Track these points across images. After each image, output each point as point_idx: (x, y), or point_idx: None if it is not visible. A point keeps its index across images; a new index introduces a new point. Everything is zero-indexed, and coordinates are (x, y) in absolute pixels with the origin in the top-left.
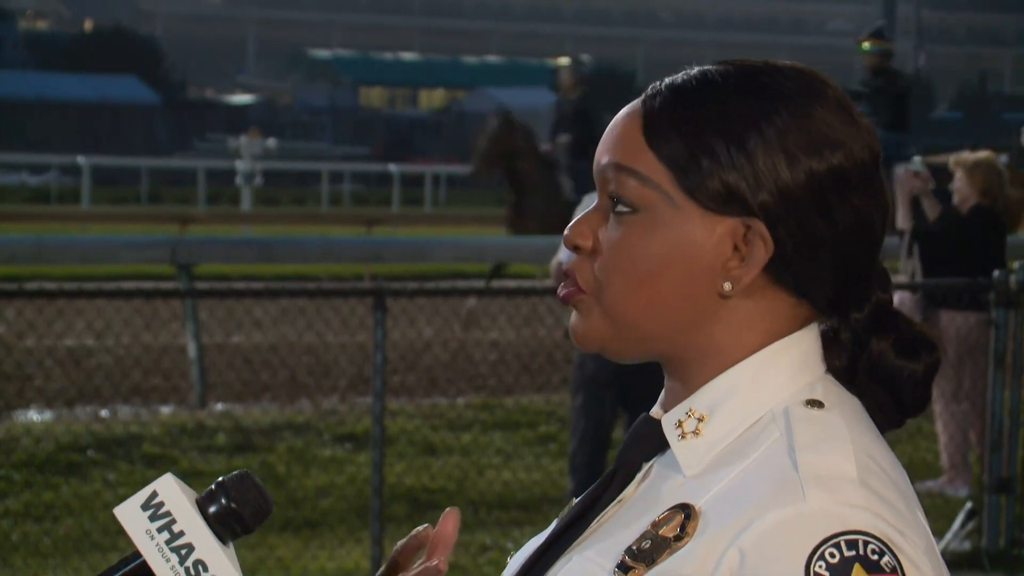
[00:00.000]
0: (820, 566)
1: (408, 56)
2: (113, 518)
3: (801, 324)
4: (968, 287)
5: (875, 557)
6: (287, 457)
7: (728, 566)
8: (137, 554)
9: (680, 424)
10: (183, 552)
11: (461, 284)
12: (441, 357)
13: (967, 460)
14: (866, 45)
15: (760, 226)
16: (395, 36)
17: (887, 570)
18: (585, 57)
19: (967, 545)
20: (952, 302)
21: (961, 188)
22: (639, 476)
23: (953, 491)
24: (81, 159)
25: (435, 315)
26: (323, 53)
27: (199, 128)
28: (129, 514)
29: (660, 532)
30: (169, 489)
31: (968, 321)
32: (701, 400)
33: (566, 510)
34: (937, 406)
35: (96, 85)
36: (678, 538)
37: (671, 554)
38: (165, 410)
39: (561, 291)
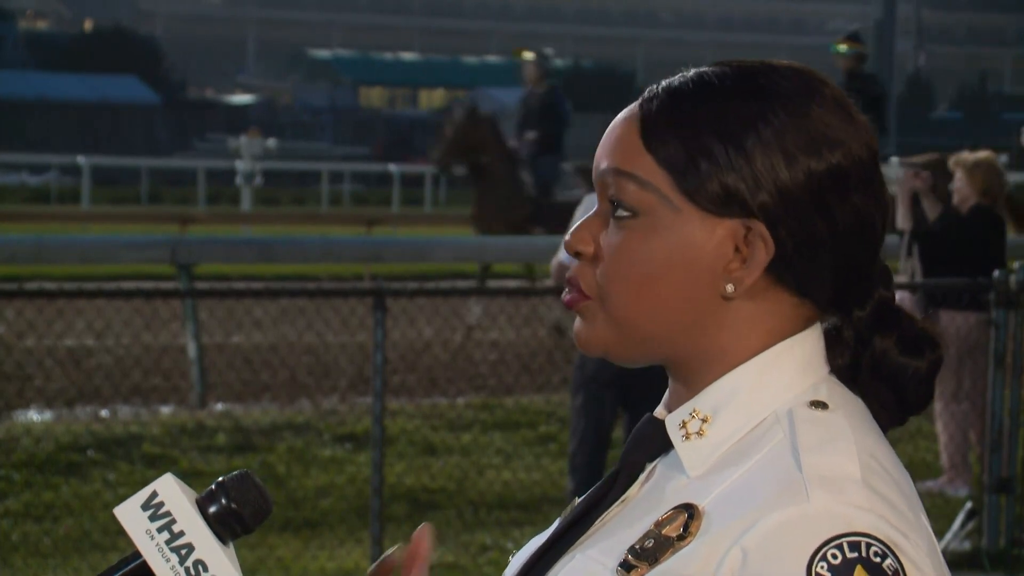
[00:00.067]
0: (822, 567)
1: (408, 56)
2: (113, 518)
3: (804, 324)
4: (968, 287)
5: (877, 559)
6: (287, 457)
7: (730, 565)
8: (137, 554)
9: (684, 425)
10: (183, 552)
11: (461, 284)
12: (441, 357)
13: (967, 460)
14: (842, 48)
15: (760, 227)
16: (395, 36)
17: (889, 573)
18: (548, 50)
19: (967, 545)
20: (952, 302)
21: (961, 188)
22: (643, 476)
23: (953, 491)
24: (81, 159)
25: (435, 315)
26: (323, 53)
27: (199, 128)
28: (129, 514)
29: (663, 531)
30: (169, 489)
31: (968, 321)
32: (705, 401)
33: (568, 509)
34: (937, 406)
35: (96, 85)
36: (681, 537)
37: (674, 553)
38: (165, 410)
39: (565, 297)
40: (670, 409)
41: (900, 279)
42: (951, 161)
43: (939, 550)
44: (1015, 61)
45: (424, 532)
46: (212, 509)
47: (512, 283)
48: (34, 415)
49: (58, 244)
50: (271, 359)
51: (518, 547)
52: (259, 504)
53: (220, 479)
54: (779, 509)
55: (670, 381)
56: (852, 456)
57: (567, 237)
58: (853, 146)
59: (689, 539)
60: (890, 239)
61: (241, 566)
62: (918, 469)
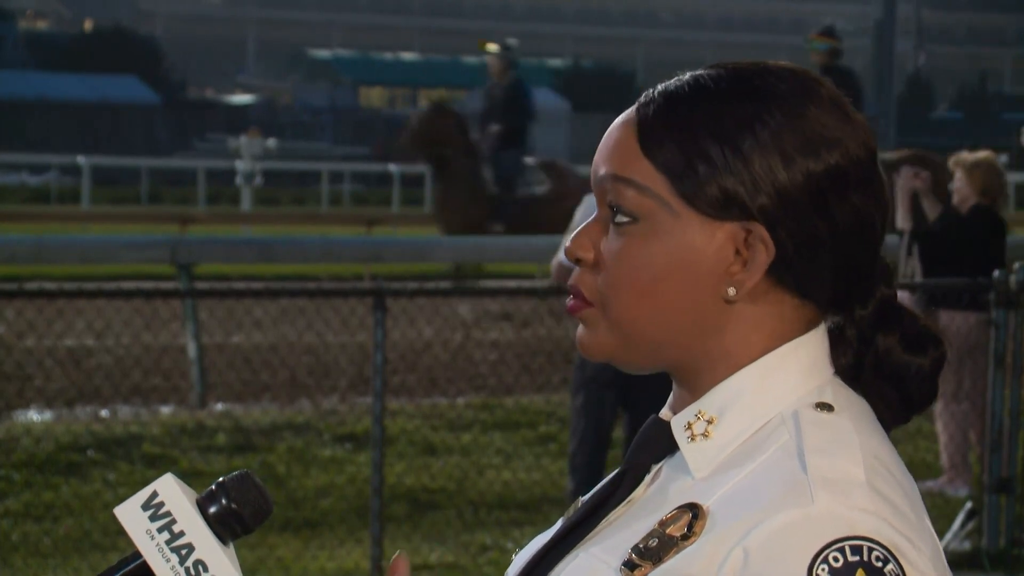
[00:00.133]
0: (823, 570)
1: (408, 56)
2: (113, 518)
3: (806, 324)
4: (968, 287)
5: (879, 564)
6: (287, 457)
7: (732, 565)
8: (137, 554)
9: (690, 426)
10: (183, 552)
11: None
12: (441, 357)
13: (967, 460)
14: (816, 43)
15: (760, 230)
16: (395, 36)
17: None
18: (512, 41)
19: (967, 545)
20: (952, 302)
21: (961, 188)
22: (648, 478)
23: (953, 491)
24: (81, 159)
25: (435, 315)
26: (323, 53)
27: (199, 128)
28: (129, 514)
29: (667, 531)
30: (169, 489)
31: (968, 321)
32: (711, 402)
33: (572, 509)
34: (937, 406)
35: (96, 85)
36: (685, 537)
37: (678, 553)
38: (165, 410)
39: (567, 304)
40: (675, 411)
41: (900, 279)
42: (951, 161)
43: (942, 552)
44: (1015, 61)
45: (399, 561)
46: (212, 509)
47: (511, 283)
48: (34, 415)
49: (58, 244)
50: (271, 359)
51: (518, 547)
52: (259, 504)
53: (220, 479)
54: (783, 510)
55: (674, 385)
56: (857, 459)
57: (567, 243)
58: (851, 146)
59: (693, 539)
60: (890, 239)
61: (241, 566)
62: (918, 469)
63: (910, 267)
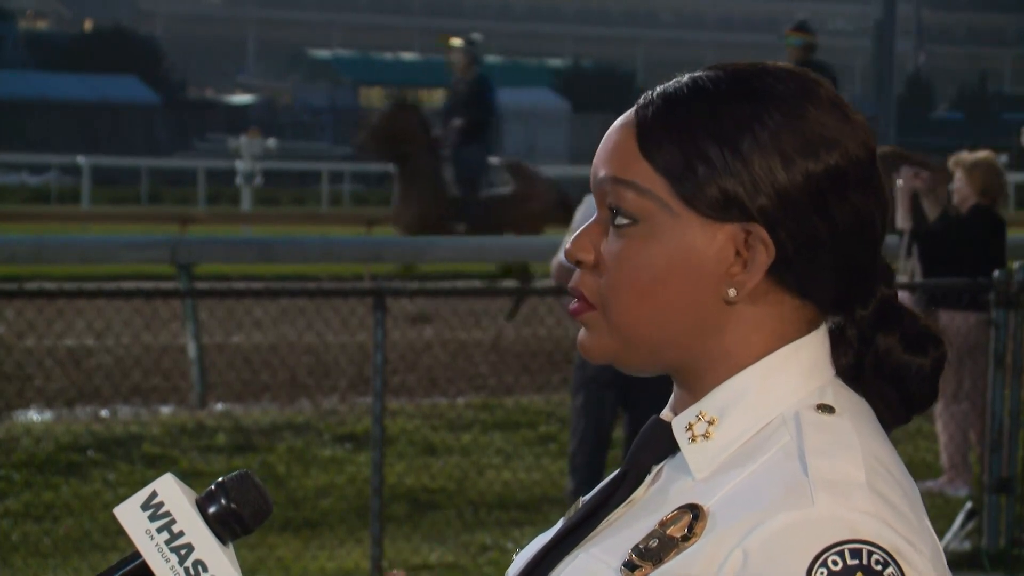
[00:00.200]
0: (822, 573)
1: (408, 56)
2: (113, 518)
3: (807, 325)
4: (968, 287)
5: (879, 567)
6: (287, 457)
7: (732, 566)
8: (137, 554)
9: (690, 427)
10: (183, 552)
11: (461, 284)
12: (441, 357)
13: (967, 460)
14: (791, 38)
15: (760, 231)
16: (395, 36)
17: None
18: (476, 35)
19: (967, 545)
20: (952, 302)
21: (961, 188)
22: (649, 478)
23: (953, 491)
24: (81, 159)
25: (435, 315)
26: (323, 53)
27: (199, 128)
28: (129, 514)
29: (668, 531)
30: (169, 489)
31: (968, 321)
32: (712, 403)
33: (572, 509)
34: (937, 406)
35: (96, 85)
36: (686, 538)
37: (678, 553)
38: (165, 410)
39: (569, 307)
40: (676, 412)
41: (900, 279)
42: (951, 161)
43: (942, 554)
44: (1015, 61)
45: None
46: (212, 509)
47: (510, 283)
48: (34, 415)
49: (58, 244)
50: (271, 359)
51: (518, 547)
52: (259, 504)
53: (220, 479)
54: (783, 512)
55: (675, 386)
56: (857, 461)
57: (567, 245)
58: (850, 146)
59: (694, 539)
60: (890, 239)
61: (241, 566)
62: (918, 469)
63: (910, 267)
